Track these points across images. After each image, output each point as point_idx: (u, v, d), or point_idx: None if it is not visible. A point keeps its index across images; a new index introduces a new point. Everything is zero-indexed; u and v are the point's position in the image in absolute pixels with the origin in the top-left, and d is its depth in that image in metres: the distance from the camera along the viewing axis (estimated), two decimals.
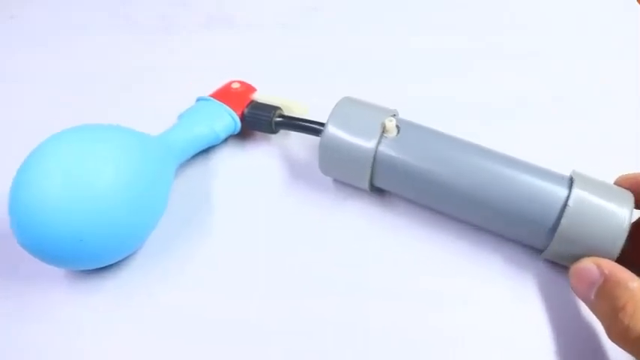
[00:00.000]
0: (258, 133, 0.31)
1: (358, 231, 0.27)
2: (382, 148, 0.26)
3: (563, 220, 0.23)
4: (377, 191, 0.28)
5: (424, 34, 0.37)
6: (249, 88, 0.31)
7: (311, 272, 0.26)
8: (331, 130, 0.26)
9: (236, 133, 0.30)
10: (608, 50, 0.35)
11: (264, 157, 0.31)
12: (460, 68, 0.35)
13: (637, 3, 0.37)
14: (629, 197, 0.23)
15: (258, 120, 0.30)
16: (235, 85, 0.31)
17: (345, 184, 0.28)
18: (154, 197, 0.26)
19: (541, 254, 0.25)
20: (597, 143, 0.30)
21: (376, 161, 0.26)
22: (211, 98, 0.30)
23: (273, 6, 0.40)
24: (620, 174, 0.25)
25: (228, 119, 0.30)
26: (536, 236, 0.24)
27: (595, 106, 0.32)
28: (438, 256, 0.26)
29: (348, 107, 0.27)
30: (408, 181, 0.26)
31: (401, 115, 0.27)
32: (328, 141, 0.26)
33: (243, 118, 0.30)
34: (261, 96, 0.31)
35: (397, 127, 0.26)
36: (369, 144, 0.26)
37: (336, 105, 0.27)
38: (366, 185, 0.27)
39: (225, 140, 0.30)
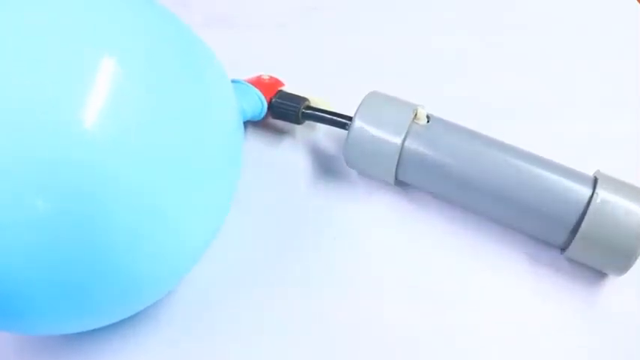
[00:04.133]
0: (281, 125, 0.32)
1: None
2: (409, 141, 0.26)
3: (585, 220, 0.23)
4: (401, 185, 0.29)
5: (424, 33, 0.37)
6: (278, 82, 0.32)
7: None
8: (359, 123, 0.27)
9: (261, 117, 0.30)
10: (608, 50, 0.35)
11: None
12: (460, 68, 0.35)
13: (637, 3, 0.37)
14: None
15: (286, 109, 0.30)
16: (265, 77, 0.32)
17: (369, 177, 0.29)
18: (214, 167, 0.16)
19: (563, 253, 0.25)
20: (597, 143, 0.30)
21: (402, 155, 0.26)
22: (241, 80, 0.30)
23: (273, 6, 0.39)
24: (621, 174, 0.25)
25: (255, 99, 0.29)
26: (559, 234, 0.25)
27: (595, 106, 0.32)
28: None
29: (376, 101, 0.27)
30: (433, 174, 0.26)
31: None
32: (356, 134, 0.27)
33: (270, 106, 0.30)
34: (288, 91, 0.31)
35: (427, 117, 0.27)
36: (397, 139, 0.26)
37: (364, 99, 0.27)
38: (391, 179, 0.27)
39: (246, 128, 0.30)
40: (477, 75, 0.34)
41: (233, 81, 0.30)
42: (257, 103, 0.29)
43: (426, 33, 0.37)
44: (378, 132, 0.26)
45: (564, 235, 0.24)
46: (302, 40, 0.38)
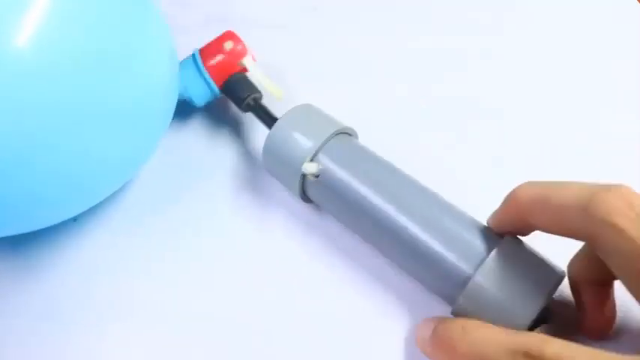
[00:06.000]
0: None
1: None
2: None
3: (461, 299, 0.22)
4: (309, 202, 0.28)
5: (425, 34, 0.37)
6: (241, 51, 0.31)
7: None
8: (278, 128, 0.26)
9: (217, 98, 0.31)
10: (608, 50, 0.35)
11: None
12: (460, 68, 0.35)
13: (637, 3, 0.37)
14: (549, 282, 0.21)
15: (233, 95, 0.30)
16: (228, 46, 0.31)
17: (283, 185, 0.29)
18: (149, 79, 0.17)
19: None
20: (598, 143, 0.30)
21: (305, 180, 0.26)
22: (198, 58, 0.30)
23: (273, 6, 0.39)
24: (620, 175, 0.25)
25: (204, 90, 0.30)
26: (442, 294, 0.24)
27: (595, 106, 0.32)
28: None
29: (305, 113, 0.27)
30: (331, 210, 0.27)
31: (398, 115, 0.27)
32: (272, 138, 0.27)
33: (223, 83, 0.30)
34: (250, 65, 0.31)
35: (318, 170, 0.25)
36: (298, 164, 0.25)
37: (295, 106, 0.27)
38: (297, 195, 0.27)
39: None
40: (477, 75, 0.34)
41: (194, 57, 0.30)
42: (206, 94, 0.30)
43: (427, 33, 0.37)
44: (290, 145, 0.26)
45: (448, 298, 0.23)
46: (302, 40, 0.38)
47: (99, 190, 0.21)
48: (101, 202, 0.27)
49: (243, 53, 0.31)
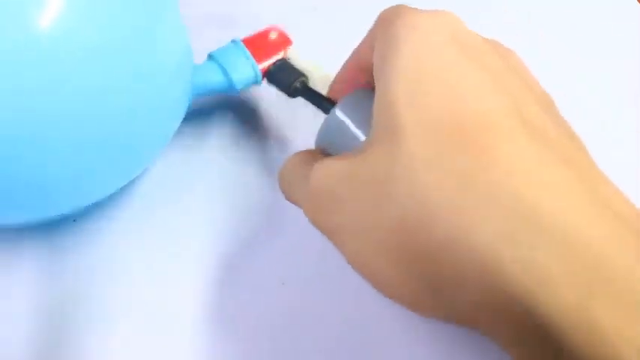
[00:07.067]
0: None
1: None
2: None
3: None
4: None
5: None
6: (285, 41, 0.32)
7: None
8: (336, 113, 0.25)
9: (257, 84, 0.31)
10: (608, 50, 0.35)
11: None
12: None
13: (637, 3, 0.37)
14: None
15: (280, 80, 0.30)
16: (273, 35, 0.32)
17: None
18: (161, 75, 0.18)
19: None
20: (597, 143, 0.30)
21: None
22: (241, 44, 0.30)
23: (273, 6, 0.40)
24: (620, 174, 0.25)
25: (248, 71, 0.30)
26: None
27: (595, 106, 0.32)
28: None
29: (362, 97, 0.26)
30: None
31: None
32: (329, 123, 0.25)
33: (267, 72, 0.31)
34: (293, 53, 0.31)
35: None
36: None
37: (353, 91, 0.26)
38: None
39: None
40: None
41: (235, 42, 0.31)
42: (250, 76, 0.30)
43: None
44: (349, 129, 0.25)
45: None
46: (302, 40, 0.38)
47: (111, 180, 0.22)
48: (101, 202, 0.27)
49: (287, 43, 0.32)
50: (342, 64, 0.38)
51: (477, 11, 0.38)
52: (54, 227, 0.28)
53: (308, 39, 0.39)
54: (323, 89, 0.29)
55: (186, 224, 0.30)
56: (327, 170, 0.19)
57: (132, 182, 0.31)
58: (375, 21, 0.21)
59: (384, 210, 0.17)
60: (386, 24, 0.20)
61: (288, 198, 0.23)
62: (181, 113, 0.26)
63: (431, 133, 0.16)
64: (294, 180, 0.22)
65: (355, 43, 0.39)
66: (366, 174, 0.18)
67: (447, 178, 0.16)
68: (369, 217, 0.17)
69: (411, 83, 0.17)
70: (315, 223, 0.20)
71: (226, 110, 0.34)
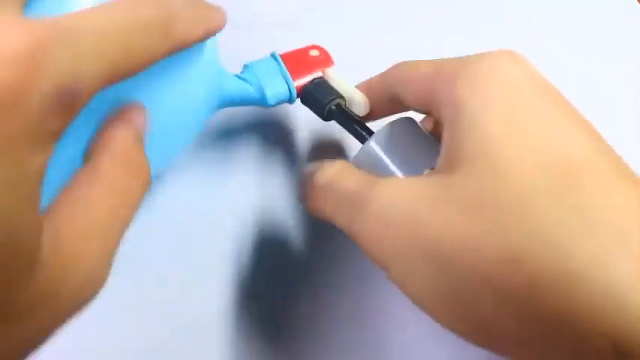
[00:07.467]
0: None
1: None
2: None
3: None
4: None
5: (425, 34, 0.37)
6: (326, 60, 0.30)
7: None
8: (372, 146, 0.24)
9: (291, 103, 0.29)
10: (608, 50, 0.35)
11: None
12: None
13: (637, 3, 0.37)
14: None
15: (314, 101, 0.28)
16: (314, 53, 0.30)
17: None
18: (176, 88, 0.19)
19: None
20: None
21: None
22: (279, 58, 0.29)
23: (273, 6, 0.39)
24: None
25: (283, 88, 0.28)
26: None
27: (595, 106, 0.32)
28: None
29: (402, 129, 0.24)
30: None
31: (398, 115, 0.27)
32: (365, 153, 0.24)
33: (302, 90, 0.28)
34: (333, 74, 0.29)
35: None
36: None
37: (392, 122, 0.24)
38: None
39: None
40: None
41: (274, 56, 0.29)
42: (284, 93, 0.28)
43: (427, 33, 0.37)
44: (387, 164, 0.23)
45: None
46: (302, 40, 0.38)
47: None
48: None
49: (328, 63, 0.30)
50: (341, 64, 0.38)
51: (477, 12, 0.38)
52: None
53: (308, 39, 0.39)
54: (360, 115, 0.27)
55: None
56: (406, 192, 0.18)
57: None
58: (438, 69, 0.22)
59: (490, 235, 0.16)
60: (465, 67, 0.21)
61: (324, 215, 0.21)
62: (201, 122, 0.25)
63: (537, 170, 0.16)
64: (334, 198, 0.20)
65: (355, 43, 0.40)
66: (461, 199, 0.17)
67: (567, 214, 0.16)
68: (467, 242, 0.16)
69: (506, 123, 0.18)
70: (377, 249, 0.18)
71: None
